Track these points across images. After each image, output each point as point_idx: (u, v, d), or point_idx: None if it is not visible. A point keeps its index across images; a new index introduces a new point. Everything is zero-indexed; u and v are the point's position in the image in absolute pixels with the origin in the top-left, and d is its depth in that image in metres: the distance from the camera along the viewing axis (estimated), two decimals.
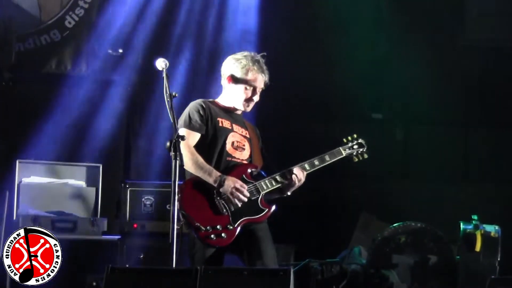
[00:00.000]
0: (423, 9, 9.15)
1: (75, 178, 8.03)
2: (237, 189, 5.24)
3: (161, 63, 5.06)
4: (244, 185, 5.29)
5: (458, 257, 7.53)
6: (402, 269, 7.65)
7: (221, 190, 5.24)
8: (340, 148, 5.69)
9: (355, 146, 5.76)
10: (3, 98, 8.50)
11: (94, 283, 6.94)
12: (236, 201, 5.25)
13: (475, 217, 7.46)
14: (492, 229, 7.44)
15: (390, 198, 8.90)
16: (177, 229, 4.81)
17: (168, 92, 4.97)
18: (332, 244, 8.45)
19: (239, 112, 5.58)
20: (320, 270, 7.61)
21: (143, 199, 7.47)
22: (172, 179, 4.83)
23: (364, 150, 5.77)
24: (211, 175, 5.24)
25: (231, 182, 5.24)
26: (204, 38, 9.02)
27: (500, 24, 9.09)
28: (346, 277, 7.64)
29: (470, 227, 7.45)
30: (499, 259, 7.36)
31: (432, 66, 9.01)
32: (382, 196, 8.99)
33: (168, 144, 4.88)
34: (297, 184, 5.45)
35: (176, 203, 4.86)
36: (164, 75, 5.02)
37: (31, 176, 7.88)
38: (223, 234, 5.21)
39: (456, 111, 9.13)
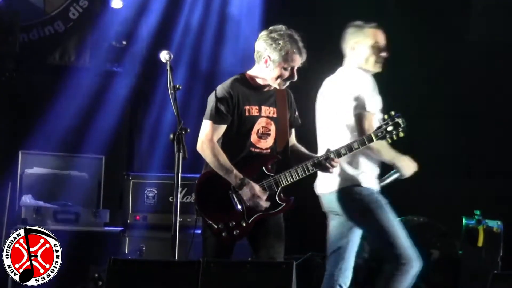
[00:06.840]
0: (428, 4, 9.11)
1: (77, 170, 8.04)
2: (253, 199, 5.15)
3: (165, 55, 5.02)
4: (262, 195, 5.18)
5: (460, 252, 7.52)
6: None
7: (239, 192, 5.16)
8: (371, 133, 5.39)
9: (390, 128, 5.41)
10: (7, 88, 8.50)
11: (97, 275, 6.94)
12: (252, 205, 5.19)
13: (477, 212, 7.43)
14: (495, 224, 7.41)
15: (392, 193, 8.88)
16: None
17: (172, 85, 4.94)
18: None
19: (271, 88, 5.39)
20: (323, 264, 7.61)
21: (145, 191, 7.48)
22: (175, 172, 4.82)
23: (401, 129, 5.40)
24: (230, 177, 5.14)
25: (249, 191, 5.14)
26: (206, 29, 9.02)
27: (505, 18, 9.04)
28: None
29: (472, 222, 7.42)
30: (501, 254, 7.34)
31: (436, 61, 8.98)
32: (384, 191, 8.98)
33: (171, 136, 4.86)
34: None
35: (179, 195, 4.85)
36: (168, 67, 4.99)
37: (33, 167, 7.90)
38: (235, 232, 5.17)
39: (460, 106, 9.09)
